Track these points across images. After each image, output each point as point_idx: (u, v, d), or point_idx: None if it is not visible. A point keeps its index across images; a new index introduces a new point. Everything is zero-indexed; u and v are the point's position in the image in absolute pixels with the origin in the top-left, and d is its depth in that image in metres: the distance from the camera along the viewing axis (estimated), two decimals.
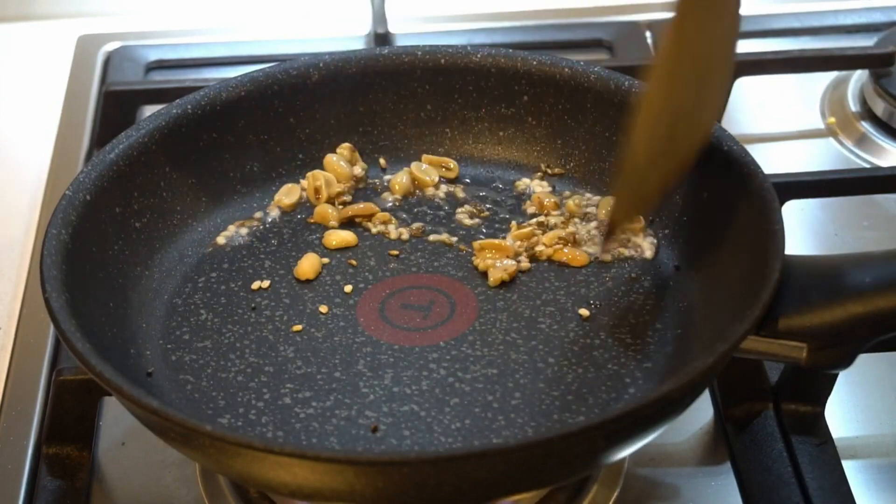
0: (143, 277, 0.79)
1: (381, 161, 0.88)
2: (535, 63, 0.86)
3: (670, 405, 0.67)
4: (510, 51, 0.87)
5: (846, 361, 0.71)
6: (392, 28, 1.09)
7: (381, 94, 0.88)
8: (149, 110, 0.97)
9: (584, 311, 0.77)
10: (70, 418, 0.77)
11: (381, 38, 1.09)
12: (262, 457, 0.64)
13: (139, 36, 1.12)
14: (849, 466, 0.76)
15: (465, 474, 0.64)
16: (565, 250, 0.81)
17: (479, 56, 0.87)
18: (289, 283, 0.80)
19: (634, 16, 1.12)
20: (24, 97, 1.08)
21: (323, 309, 0.78)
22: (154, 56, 1.10)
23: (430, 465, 0.64)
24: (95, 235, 0.77)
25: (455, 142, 0.88)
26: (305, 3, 1.15)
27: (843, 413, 0.80)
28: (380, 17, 1.09)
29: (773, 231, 0.72)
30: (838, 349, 0.70)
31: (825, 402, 0.79)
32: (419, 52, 0.88)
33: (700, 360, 0.67)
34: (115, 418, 0.80)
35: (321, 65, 0.87)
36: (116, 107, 1.01)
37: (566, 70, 0.85)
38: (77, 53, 1.11)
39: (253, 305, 0.79)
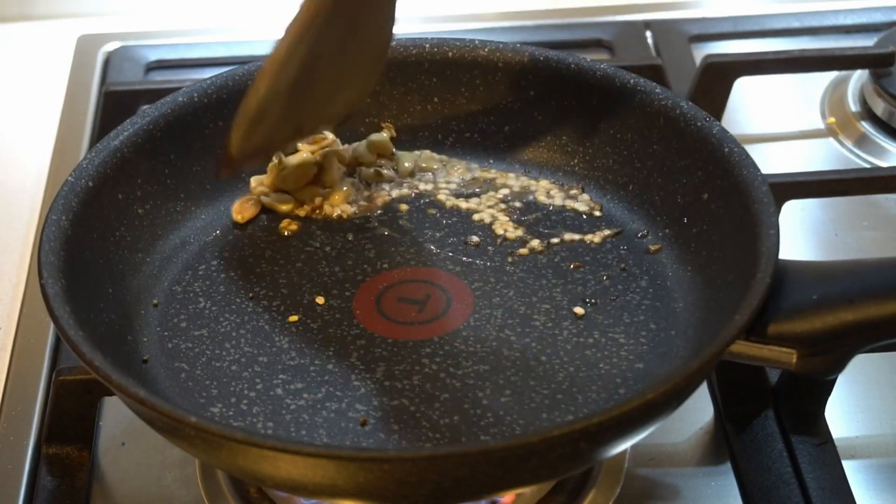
0: (143, 264, 0.80)
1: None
2: (541, 59, 0.86)
3: (654, 409, 0.67)
4: (518, 45, 0.87)
5: (837, 368, 0.71)
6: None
7: (387, 86, 0.88)
8: None
9: (578, 310, 0.77)
10: (70, 418, 0.77)
11: None
12: (244, 449, 0.64)
13: (139, 36, 1.12)
14: (849, 466, 0.76)
15: (445, 473, 0.65)
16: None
17: (486, 50, 0.87)
18: (288, 273, 0.80)
19: (634, 16, 1.11)
20: (24, 97, 1.08)
21: (320, 300, 0.78)
22: (154, 56, 1.10)
23: (410, 464, 0.64)
24: (97, 221, 0.78)
25: (461, 135, 0.88)
26: None
27: (843, 413, 0.80)
28: None
29: (768, 236, 0.72)
30: (829, 356, 0.70)
31: (825, 402, 0.79)
32: (427, 45, 0.88)
33: (686, 364, 0.67)
34: (115, 418, 0.80)
35: None
36: (116, 107, 1.01)
37: (572, 66, 0.85)
38: (77, 53, 1.11)
39: (251, 295, 0.79)
